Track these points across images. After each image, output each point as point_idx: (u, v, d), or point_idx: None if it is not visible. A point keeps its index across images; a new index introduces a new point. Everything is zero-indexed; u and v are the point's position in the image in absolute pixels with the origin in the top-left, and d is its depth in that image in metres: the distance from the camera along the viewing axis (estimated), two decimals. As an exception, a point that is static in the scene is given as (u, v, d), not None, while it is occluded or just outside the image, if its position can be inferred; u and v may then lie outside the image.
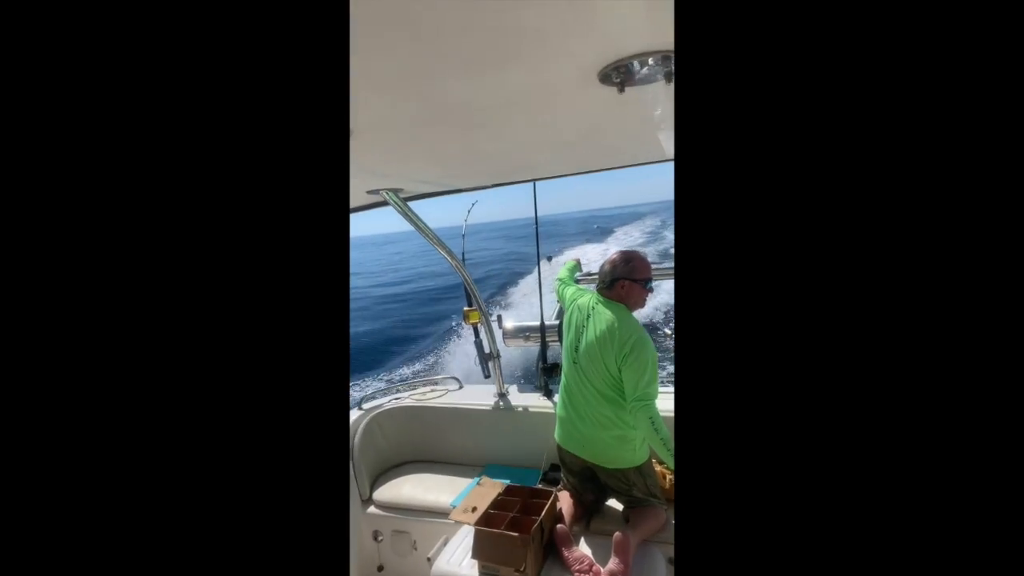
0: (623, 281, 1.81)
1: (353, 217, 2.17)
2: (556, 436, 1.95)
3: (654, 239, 27.73)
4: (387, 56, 0.64)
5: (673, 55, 0.72)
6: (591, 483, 1.91)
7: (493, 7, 0.55)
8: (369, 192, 1.85)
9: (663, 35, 0.67)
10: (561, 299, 2.13)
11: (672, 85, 0.80)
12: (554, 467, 2.24)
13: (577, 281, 2.22)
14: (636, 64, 0.74)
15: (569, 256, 2.47)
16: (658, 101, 0.97)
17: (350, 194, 1.87)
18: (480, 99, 0.86)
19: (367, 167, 1.37)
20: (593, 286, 1.99)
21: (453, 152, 1.33)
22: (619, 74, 0.76)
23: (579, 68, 0.77)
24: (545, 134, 1.22)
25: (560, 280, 2.19)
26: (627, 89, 0.79)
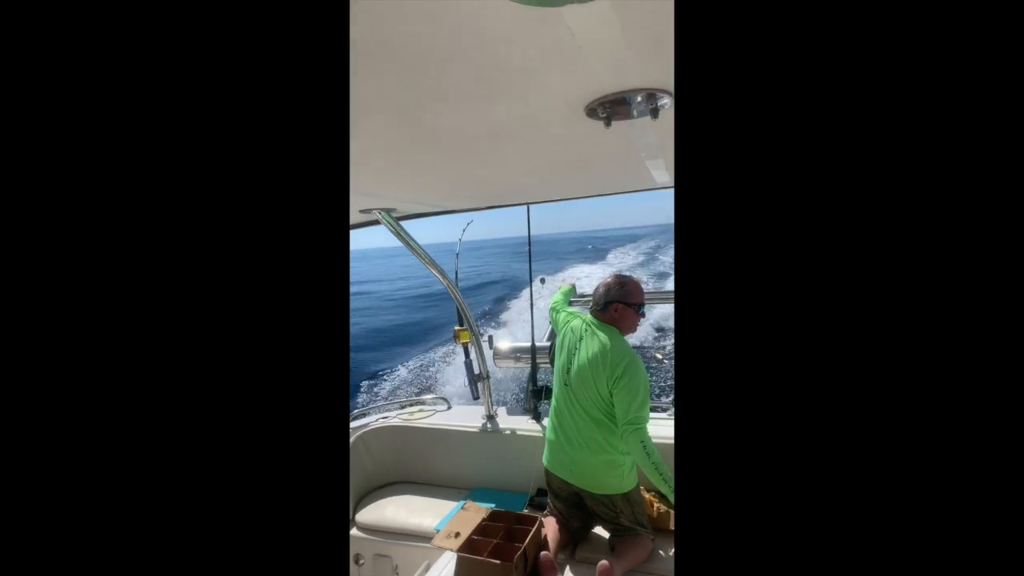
0: (617, 304, 1.81)
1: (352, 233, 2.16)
2: (544, 460, 1.93)
3: (649, 261, 27.90)
4: (380, 82, 0.65)
5: (656, 92, 0.74)
6: (578, 509, 1.88)
7: (481, 44, 0.56)
8: (362, 211, 1.86)
9: (647, 74, 0.69)
10: (554, 322, 2.13)
11: (658, 120, 0.82)
12: (541, 492, 2.21)
13: (571, 304, 2.22)
14: (621, 100, 0.76)
15: (564, 277, 2.49)
16: (645, 135, 0.99)
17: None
18: (470, 128, 0.87)
19: (360, 188, 1.38)
20: (587, 308, 1.99)
21: (444, 176, 1.34)
22: (605, 109, 0.78)
23: (566, 103, 0.78)
24: (535, 162, 1.23)
25: (554, 303, 2.20)
26: (614, 123, 0.81)
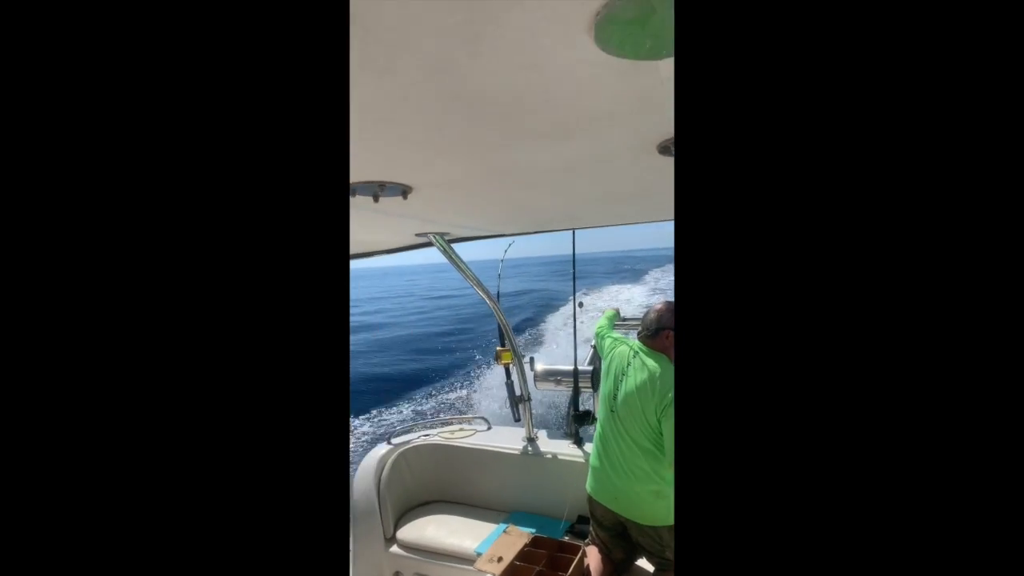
0: (668, 331, 1.79)
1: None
2: (588, 487, 1.91)
3: (688, 283, 27.22)
4: (448, 124, 0.68)
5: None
6: (621, 540, 1.85)
7: (569, 91, 0.59)
8: (417, 235, 1.92)
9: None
10: (600, 348, 2.11)
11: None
12: (582, 519, 2.18)
13: (615, 328, 2.21)
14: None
15: (601, 297, 2.47)
16: None
17: (400, 236, 1.93)
18: (539, 163, 0.90)
19: (419, 215, 1.43)
20: (632, 333, 1.97)
21: (503, 205, 1.38)
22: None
23: (640, 140, 0.80)
24: (595, 192, 1.25)
25: (599, 328, 2.19)
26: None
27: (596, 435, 1.92)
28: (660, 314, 1.83)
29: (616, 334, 2.06)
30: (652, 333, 1.82)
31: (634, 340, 1.90)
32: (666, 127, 0.74)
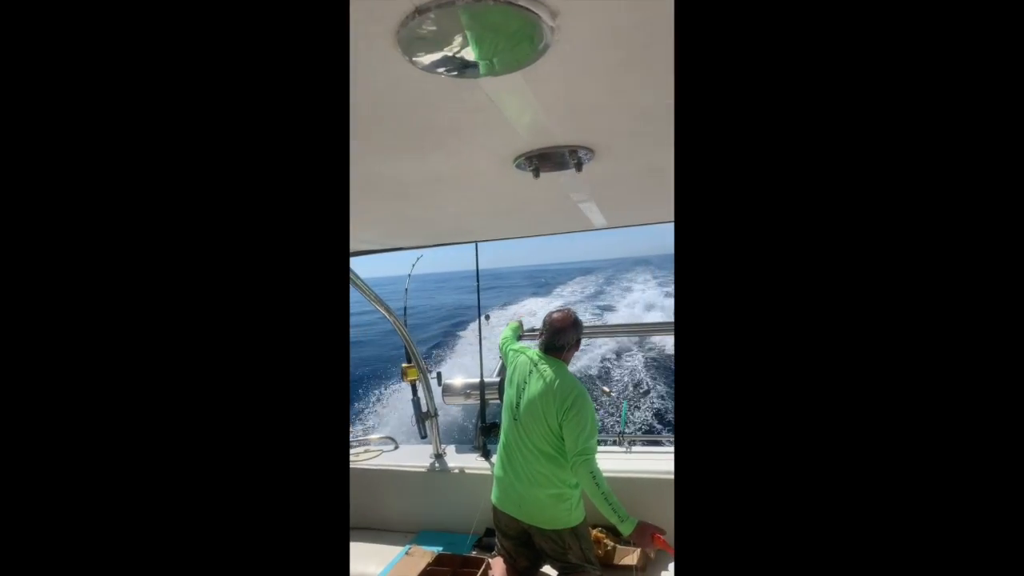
0: (569, 344, 1.86)
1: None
2: (492, 497, 1.92)
3: (598, 295, 28.54)
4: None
5: (578, 149, 0.81)
6: (526, 548, 1.87)
7: (403, 107, 0.61)
8: None
9: (567, 134, 0.75)
10: (504, 357, 2.15)
11: (583, 173, 0.88)
12: (490, 531, 2.19)
13: (520, 339, 2.25)
14: (546, 155, 0.81)
15: (514, 310, 2.51)
16: (573, 185, 1.05)
17: None
18: (407, 176, 0.92)
19: None
20: (534, 343, 2.02)
21: (387, 217, 1.37)
22: (531, 163, 0.84)
23: (495, 156, 0.84)
24: (475, 206, 1.28)
25: (504, 339, 2.22)
26: (542, 174, 0.87)
27: (500, 445, 1.94)
28: (563, 332, 1.87)
29: (518, 344, 2.10)
30: (556, 349, 1.86)
31: (534, 349, 1.95)
32: (517, 144, 0.78)
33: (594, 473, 1.65)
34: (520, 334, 2.31)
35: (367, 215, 1.32)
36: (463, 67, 0.51)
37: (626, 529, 1.61)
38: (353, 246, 1.95)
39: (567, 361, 1.87)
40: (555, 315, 1.93)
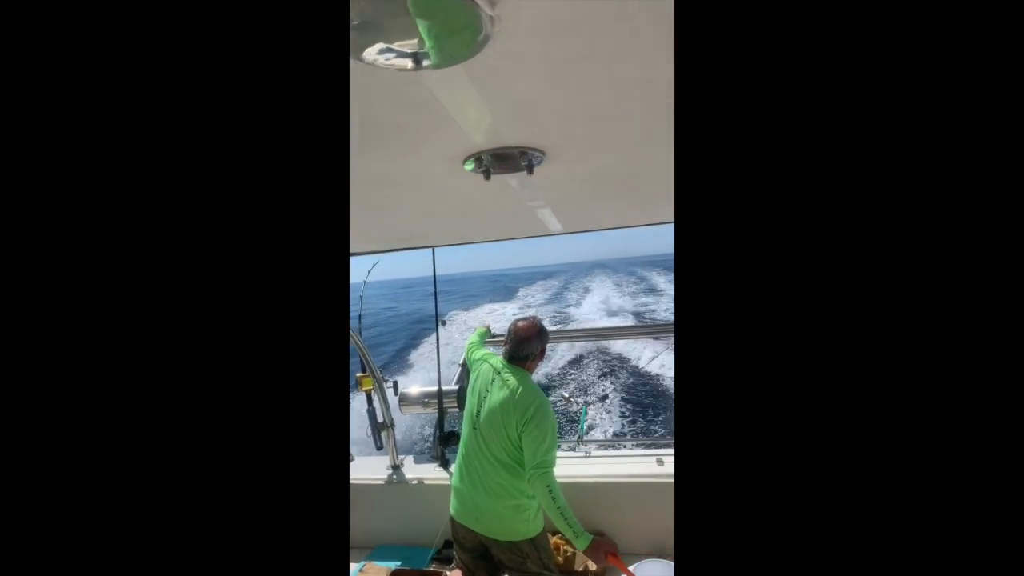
0: (533, 354, 1.83)
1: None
2: (451, 509, 1.87)
3: (556, 299, 28.81)
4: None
5: (528, 150, 0.79)
6: (484, 561, 1.83)
7: (351, 100, 0.58)
8: None
9: (516, 134, 0.73)
10: (469, 363, 2.10)
11: (534, 176, 0.86)
12: (448, 543, 2.14)
13: (486, 345, 2.20)
14: (496, 156, 0.79)
15: (476, 315, 2.47)
16: (526, 189, 1.04)
17: None
18: (352, 176, 0.88)
19: None
20: (499, 350, 1.98)
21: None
22: (481, 164, 0.81)
23: (444, 157, 0.81)
24: (426, 210, 1.25)
25: (470, 345, 2.17)
26: (493, 177, 0.84)
27: (459, 454, 1.89)
28: (528, 341, 1.83)
29: (484, 351, 2.05)
30: (521, 359, 1.82)
31: (498, 357, 1.92)
32: (465, 143, 0.76)
33: (550, 486, 1.62)
34: (487, 340, 2.27)
35: None
36: (402, 58, 0.49)
37: (580, 544, 1.60)
38: None
39: (531, 371, 1.84)
40: (520, 323, 1.88)
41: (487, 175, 0.83)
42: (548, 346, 1.94)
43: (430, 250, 2.42)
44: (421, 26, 0.44)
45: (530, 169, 0.83)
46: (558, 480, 1.65)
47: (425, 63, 0.49)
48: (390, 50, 0.47)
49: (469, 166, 0.83)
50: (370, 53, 0.47)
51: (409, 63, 0.49)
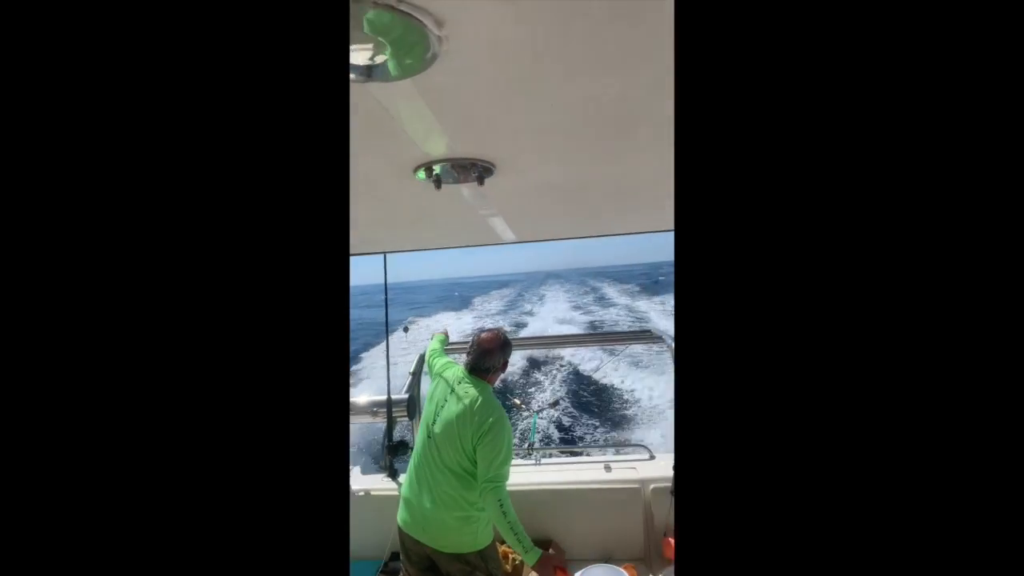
0: (495, 367, 1.82)
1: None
2: (399, 519, 1.84)
3: (511, 308, 28.91)
4: None
5: (478, 162, 0.80)
6: (431, 573, 1.81)
7: None
8: None
9: (466, 145, 0.74)
10: (429, 369, 2.06)
11: (485, 186, 0.87)
12: (395, 556, 2.10)
13: (446, 351, 2.17)
14: (447, 166, 0.80)
15: (429, 324, 2.42)
16: (477, 198, 1.05)
17: None
18: None
19: None
20: (459, 357, 1.96)
21: None
22: (431, 173, 0.82)
23: (394, 164, 0.81)
24: (376, 215, 1.24)
25: (432, 350, 2.13)
26: (444, 186, 0.85)
27: (411, 463, 1.86)
28: (490, 354, 1.81)
29: (446, 359, 2.02)
30: (483, 370, 1.81)
31: (459, 367, 1.89)
32: (415, 153, 0.76)
33: (502, 501, 1.62)
34: (446, 346, 2.25)
35: None
36: (352, 71, 0.49)
37: (529, 560, 1.61)
38: None
39: (492, 383, 1.83)
40: (484, 335, 1.86)
41: (438, 184, 0.84)
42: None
43: (375, 260, 2.38)
44: (372, 42, 0.45)
45: (480, 180, 0.84)
46: (508, 488, 1.66)
47: (375, 76, 0.50)
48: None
49: (420, 175, 0.84)
50: None
51: (358, 76, 0.50)
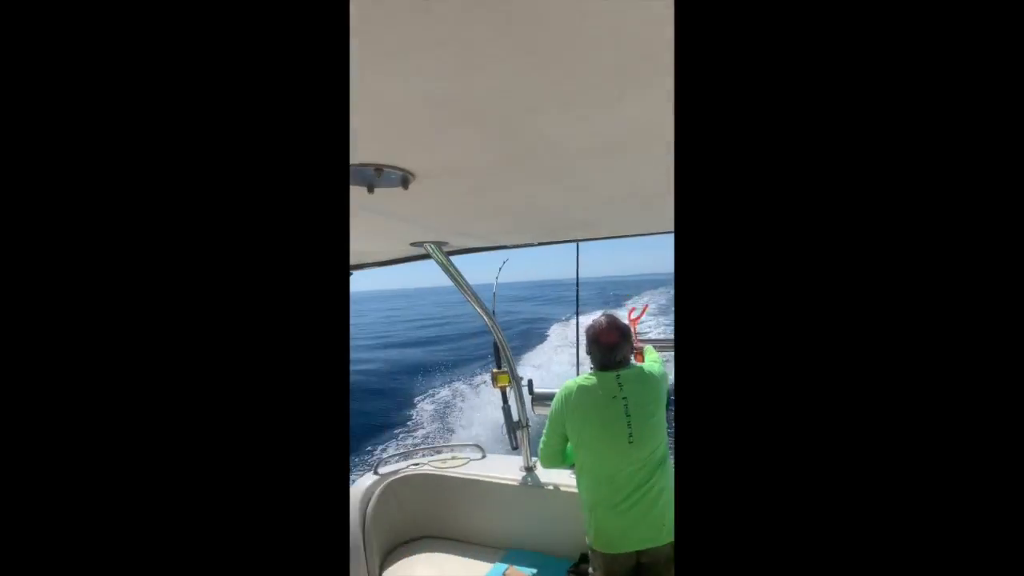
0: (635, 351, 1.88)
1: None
2: (599, 543, 1.65)
3: (670, 307, 27.50)
4: (454, 93, 0.59)
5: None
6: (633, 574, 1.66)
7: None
8: (413, 244, 1.77)
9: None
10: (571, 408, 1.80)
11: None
12: (584, 558, 2.00)
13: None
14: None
15: (585, 321, 2.18)
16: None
17: (395, 245, 1.78)
18: (566, 142, 0.77)
19: (418, 217, 1.28)
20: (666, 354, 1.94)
21: (511, 206, 1.24)
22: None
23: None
24: (611, 191, 1.12)
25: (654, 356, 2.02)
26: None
27: (594, 483, 1.67)
28: (619, 346, 1.70)
29: (584, 392, 1.75)
30: (624, 362, 1.73)
31: (607, 373, 1.70)
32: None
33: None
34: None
35: (490, 202, 1.21)
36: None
37: None
38: (455, 242, 1.85)
39: (640, 360, 1.87)
40: (601, 334, 1.71)
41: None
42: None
43: (541, 252, 2.33)
44: None
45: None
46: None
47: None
48: None
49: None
50: None
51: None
